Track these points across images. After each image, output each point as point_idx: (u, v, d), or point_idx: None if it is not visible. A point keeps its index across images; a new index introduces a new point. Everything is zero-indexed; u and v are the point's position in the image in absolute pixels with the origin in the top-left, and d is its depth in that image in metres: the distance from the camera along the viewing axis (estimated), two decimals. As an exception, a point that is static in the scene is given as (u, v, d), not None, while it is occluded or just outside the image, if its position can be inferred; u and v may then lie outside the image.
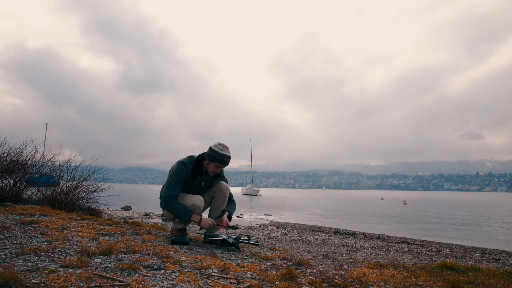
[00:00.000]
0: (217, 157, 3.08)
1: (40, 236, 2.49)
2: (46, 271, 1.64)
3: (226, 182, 3.40)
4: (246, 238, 3.40)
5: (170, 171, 3.12)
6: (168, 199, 2.98)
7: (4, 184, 6.19)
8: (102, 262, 1.93)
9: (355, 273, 2.08)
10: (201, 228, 3.10)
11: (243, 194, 46.85)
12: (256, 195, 46.08)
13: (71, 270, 1.70)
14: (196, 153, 3.28)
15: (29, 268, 1.68)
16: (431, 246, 6.78)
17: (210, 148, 3.14)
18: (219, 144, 3.16)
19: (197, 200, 3.07)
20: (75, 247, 2.25)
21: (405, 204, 32.26)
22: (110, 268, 1.81)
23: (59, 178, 6.17)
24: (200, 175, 3.18)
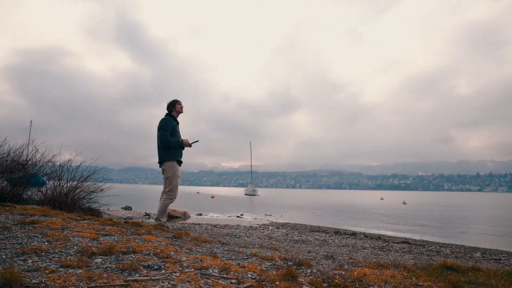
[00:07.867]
0: (177, 100, 5.00)
1: (40, 236, 2.49)
2: (47, 271, 1.64)
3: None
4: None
5: (160, 126, 4.77)
6: (167, 140, 4.68)
7: (4, 184, 6.19)
8: (103, 262, 1.93)
9: (355, 273, 2.08)
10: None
11: (245, 195, 48.73)
12: (256, 195, 48.44)
13: (72, 270, 1.71)
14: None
15: (29, 268, 1.68)
16: (431, 246, 6.77)
17: (170, 102, 4.96)
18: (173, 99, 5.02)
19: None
20: (75, 247, 2.25)
21: (404, 204, 32.28)
22: (110, 268, 1.81)
23: (50, 178, 6.20)
24: (175, 121, 4.97)
